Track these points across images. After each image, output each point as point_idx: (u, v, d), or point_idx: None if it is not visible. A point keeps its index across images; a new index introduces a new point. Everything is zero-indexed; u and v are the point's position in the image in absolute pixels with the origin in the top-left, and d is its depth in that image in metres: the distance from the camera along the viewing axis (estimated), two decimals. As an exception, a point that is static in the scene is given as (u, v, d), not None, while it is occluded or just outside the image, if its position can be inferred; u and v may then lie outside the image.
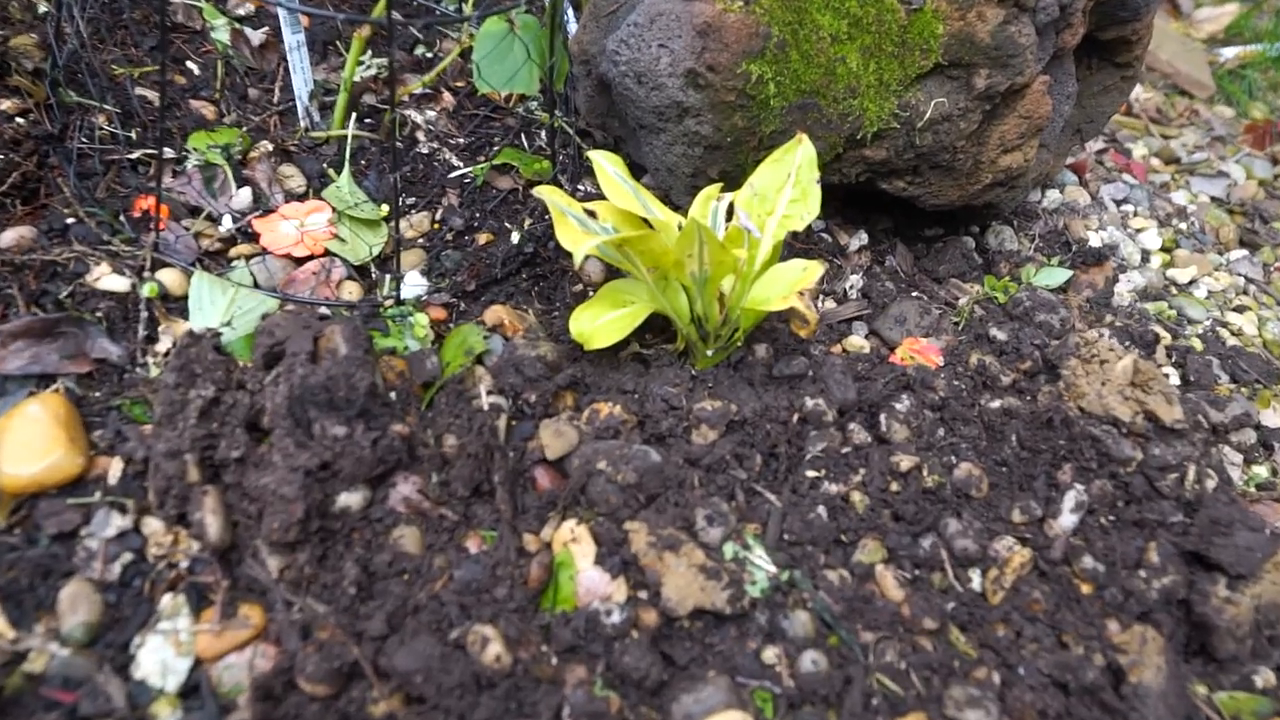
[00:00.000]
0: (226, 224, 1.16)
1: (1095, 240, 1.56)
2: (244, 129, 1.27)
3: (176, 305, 1.07)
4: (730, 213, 1.11)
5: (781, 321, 1.20)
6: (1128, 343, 1.30)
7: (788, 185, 1.07)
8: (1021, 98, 1.23)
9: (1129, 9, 1.37)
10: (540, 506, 0.99)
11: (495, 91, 1.12)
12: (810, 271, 1.03)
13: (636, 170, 1.44)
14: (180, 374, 0.93)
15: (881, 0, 1.12)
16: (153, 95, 1.28)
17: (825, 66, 1.14)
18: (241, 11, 1.43)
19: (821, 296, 1.32)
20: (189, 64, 1.35)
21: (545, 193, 1.05)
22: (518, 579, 0.91)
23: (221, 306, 1.05)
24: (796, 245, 1.37)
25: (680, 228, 1.11)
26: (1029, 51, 1.17)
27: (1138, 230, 1.67)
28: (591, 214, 1.08)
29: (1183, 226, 1.73)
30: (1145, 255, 1.62)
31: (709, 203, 1.12)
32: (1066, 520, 1.04)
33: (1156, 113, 2.31)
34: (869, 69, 1.16)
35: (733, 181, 1.26)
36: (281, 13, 1.22)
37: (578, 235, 1.01)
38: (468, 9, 1.32)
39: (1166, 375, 1.26)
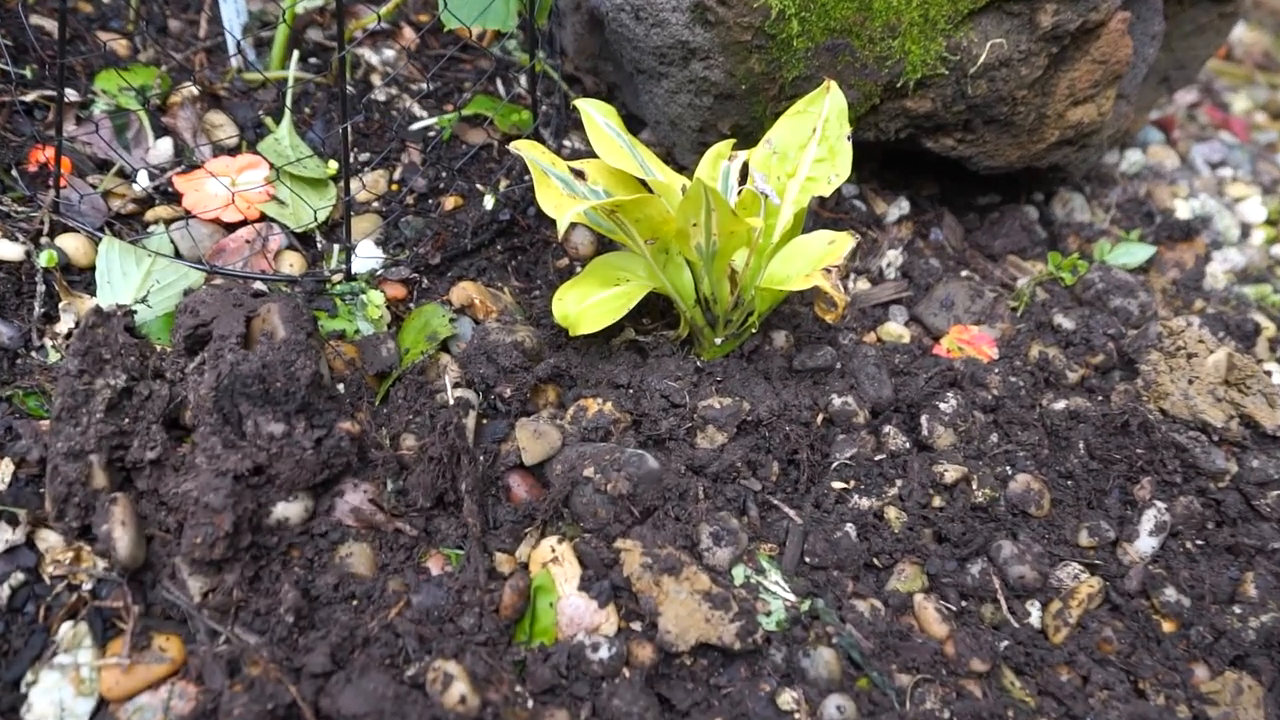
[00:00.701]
0: (142, 181, 1.17)
1: (1184, 211, 1.57)
2: (163, 68, 1.28)
3: (81, 278, 1.08)
4: (744, 174, 1.12)
5: (804, 304, 1.21)
6: (1221, 333, 1.31)
7: (812, 142, 1.08)
8: (1095, 38, 1.24)
9: (1227, -67, 1.38)
10: (515, 520, 1.00)
11: (465, 28, 1.13)
12: (839, 245, 1.04)
13: (634, 123, 1.45)
14: (85, 359, 0.94)
15: (928, -80, 1.13)
16: (51, 25, 1.28)
17: (860, 0, 1.15)
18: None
19: (853, 275, 1.33)
20: (98, -10, 1.36)
21: (524, 148, 1.06)
22: (487, 606, 0.92)
23: (135, 280, 1.06)
24: (823, 214, 1.38)
25: (684, 191, 1.12)
26: (1105, -17, 1.18)
27: (1236, 199, 1.68)
28: (579, 174, 1.09)
29: (1290, 196, 1.74)
30: (1245, 229, 1.63)
31: (719, 162, 1.13)
32: (1144, 544, 1.05)
33: (1263, 57, 2.32)
34: (912, 3, 1.16)
35: (747, 137, 1.27)
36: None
37: (562, 200, 1.02)
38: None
39: (1268, 373, 1.27)
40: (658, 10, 1.16)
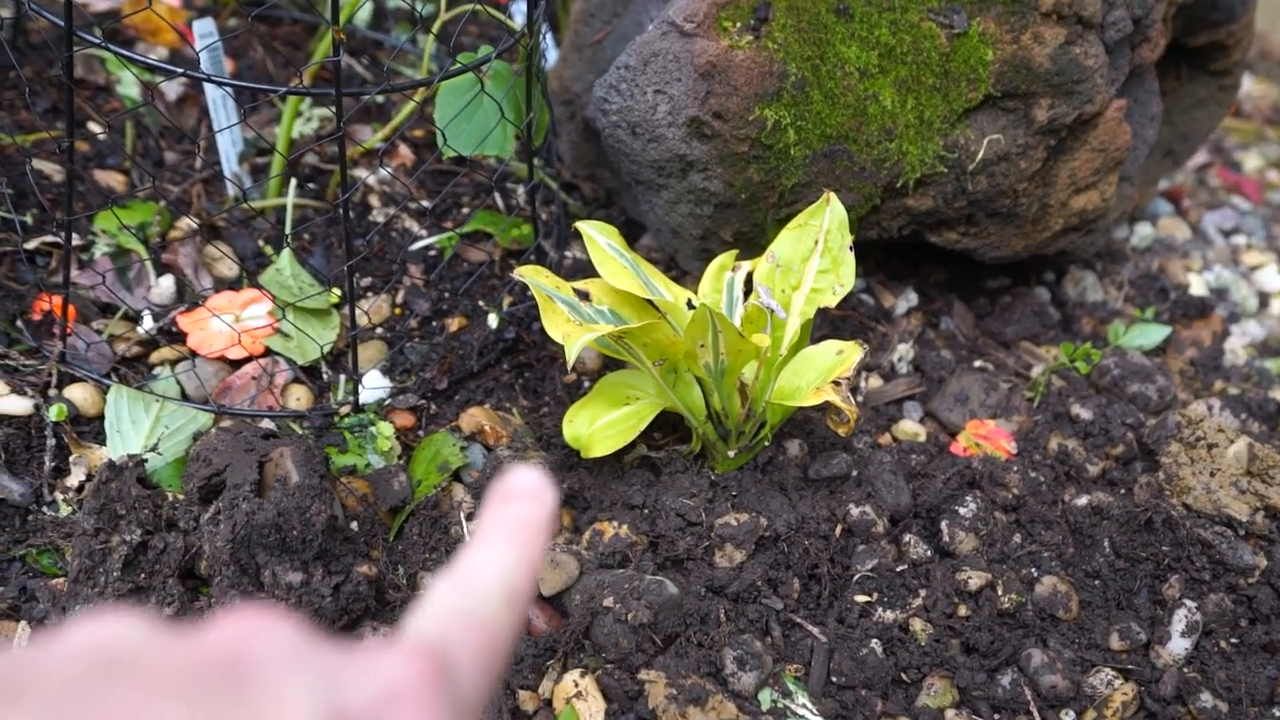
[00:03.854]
0: (146, 323, 1.23)
1: (1198, 285, 1.63)
2: (161, 203, 1.35)
3: (90, 428, 1.14)
4: (749, 286, 1.18)
5: (817, 410, 1.27)
6: (1244, 415, 1.36)
7: (815, 254, 1.15)
8: (1093, 128, 1.31)
9: (1221, 10, 1.45)
10: (536, 655, 1.05)
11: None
12: (847, 356, 1.10)
13: (635, 228, 1.52)
14: (100, 517, 0.99)
15: (918, 26, 1.21)
16: (50, 168, 1.36)
17: (854, 106, 1.23)
18: (153, 58, 1.52)
19: (864, 373, 1.39)
20: (90, 125, 1.44)
21: (527, 274, 1.12)
22: (512, 748, 0.96)
23: (145, 427, 1.12)
24: (831, 312, 1.44)
25: (690, 306, 1.19)
26: (1098, 74, 1.26)
27: (1253, 268, 1.74)
28: (584, 295, 1.15)
29: (1309, 258, 1.80)
30: (1263, 299, 1.68)
31: (722, 275, 1.19)
32: (1177, 646, 1.09)
33: (1273, 111, 2.40)
34: (907, 106, 1.24)
35: (750, 242, 1.34)
36: (204, 63, 1.31)
37: (569, 327, 1.08)
38: (425, 46, 1.42)
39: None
40: (654, 127, 1.23)
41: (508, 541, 0.42)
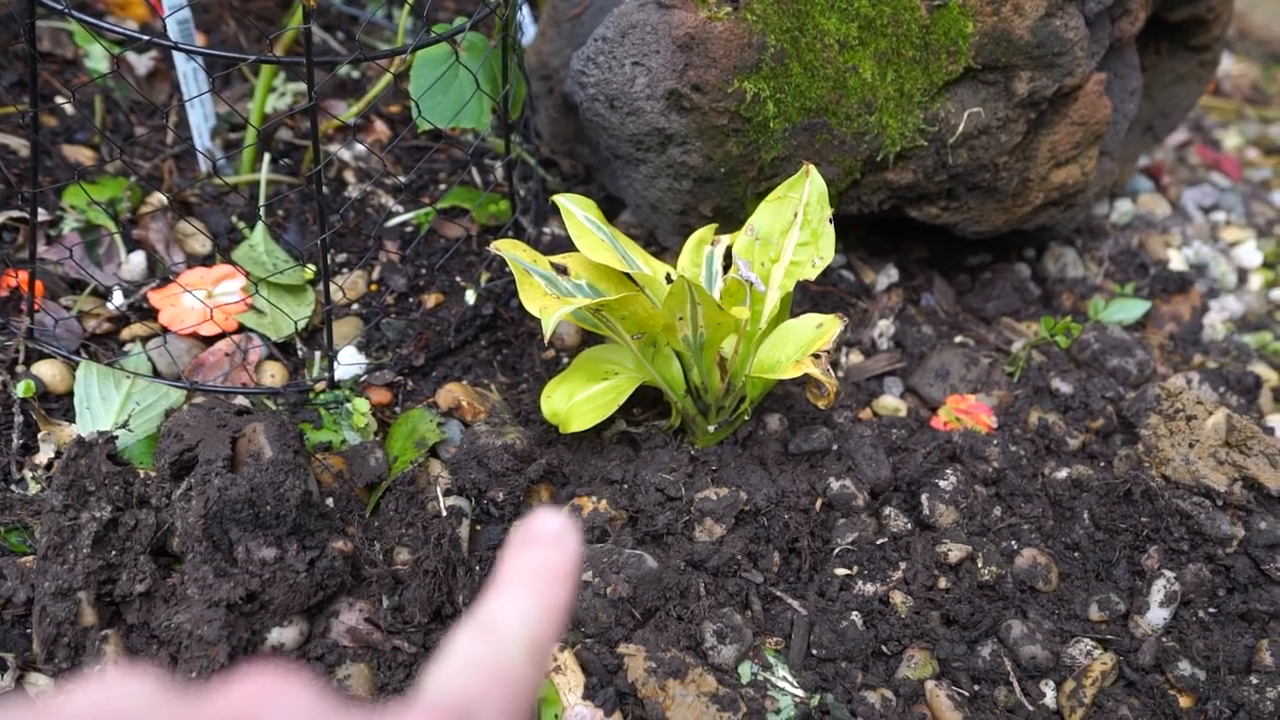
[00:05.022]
0: (116, 299, 1.22)
1: (1178, 260, 1.64)
2: (132, 178, 1.33)
3: (59, 405, 1.13)
4: (728, 259, 1.18)
5: (797, 385, 1.27)
6: (1222, 388, 1.37)
7: (794, 227, 1.14)
8: (1074, 101, 1.31)
9: (1200, -16, 1.46)
10: (514, 630, 1.04)
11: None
12: (827, 329, 1.10)
13: (614, 205, 1.51)
14: (69, 494, 0.98)
15: (897, -3, 1.20)
16: (15, 143, 1.34)
17: (834, 79, 1.22)
18: (123, 30, 1.50)
19: (845, 349, 1.39)
20: (58, 99, 1.42)
21: (504, 248, 1.11)
22: (490, 723, 0.96)
23: (115, 403, 1.11)
24: (812, 287, 1.43)
25: (669, 279, 1.18)
26: (1078, 47, 1.25)
27: (1231, 244, 1.74)
28: (562, 270, 1.14)
29: (1287, 234, 1.81)
30: (1242, 275, 1.69)
31: (701, 249, 1.19)
32: (1155, 616, 1.10)
33: (1252, 90, 2.41)
34: (887, 78, 1.23)
35: (730, 217, 1.33)
36: (174, 35, 1.29)
37: (546, 300, 1.07)
38: (400, 20, 1.40)
39: (1270, 430, 1.33)
40: (632, 99, 1.22)
41: (529, 590, 0.41)
